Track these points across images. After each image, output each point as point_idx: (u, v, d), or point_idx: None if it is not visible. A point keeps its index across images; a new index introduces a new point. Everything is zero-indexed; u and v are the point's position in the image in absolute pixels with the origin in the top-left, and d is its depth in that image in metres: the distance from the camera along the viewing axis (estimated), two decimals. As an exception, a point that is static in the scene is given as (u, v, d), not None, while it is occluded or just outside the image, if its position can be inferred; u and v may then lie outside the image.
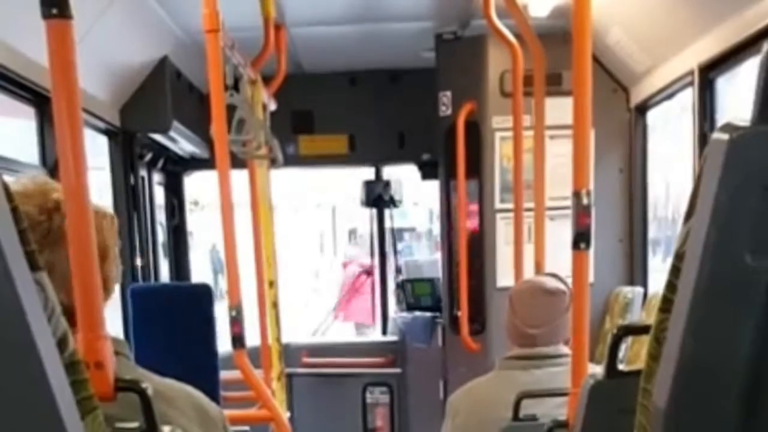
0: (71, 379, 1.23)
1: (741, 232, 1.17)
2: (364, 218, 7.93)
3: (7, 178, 1.19)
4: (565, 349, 3.15)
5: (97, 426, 1.34)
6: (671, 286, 1.29)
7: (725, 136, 1.18)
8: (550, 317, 3.20)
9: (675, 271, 1.28)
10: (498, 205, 5.42)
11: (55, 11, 1.73)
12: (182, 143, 5.68)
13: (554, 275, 3.43)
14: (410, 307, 6.78)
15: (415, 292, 6.72)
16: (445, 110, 5.59)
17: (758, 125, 1.17)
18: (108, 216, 1.94)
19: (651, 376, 1.32)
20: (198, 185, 7.10)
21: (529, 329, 3.24)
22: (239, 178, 4.09)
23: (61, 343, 1.23)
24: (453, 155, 5.41)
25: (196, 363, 3.88)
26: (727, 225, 1.18)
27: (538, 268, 4.49)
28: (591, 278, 2.83)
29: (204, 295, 4.17)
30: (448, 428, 3.38)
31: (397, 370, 6.86)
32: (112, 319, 1.93)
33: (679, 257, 1.28)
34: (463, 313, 5.45)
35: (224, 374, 4.28)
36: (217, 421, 1.99)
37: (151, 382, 1.79)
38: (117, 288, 2.00)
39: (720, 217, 1.18)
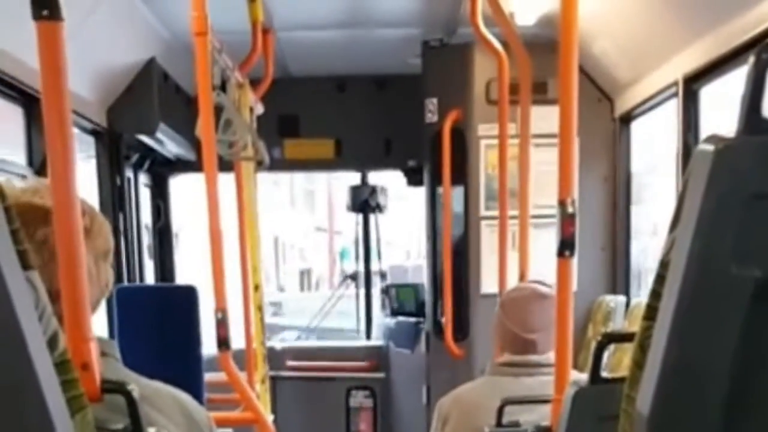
0: (61, 379, 1.23)
1: (725, 241, 1.19)
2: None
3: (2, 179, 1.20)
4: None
5: (86, 425, 1.34)
6: (656, 295, 1.31)
7: (711, 147, 1.19)
8: (547, 321, 3.12)
9: (659, 279, 1.30)
10: (483, 212, 5.44)
11: (45, 13, 1.74)
12: (169, 145, 5.67)
13: (540, 282, 3.43)
14: (394, 313, 6.80)
15: (400, 298, 6.73)
16: (431, 117, 5.60)
17: (743, 136, 1.19)
18: (107, 221, 1.97)
19: (635, 383, 1.34)
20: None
21: (527, 334, 3.21)
22: (224, 181, 4.09)
23: (52, 342, 1.23)
24: (439, 162, 5.42)
25: (181, 364, 3.87)
26: (712, 234, 1.19)
27: (523, 275, 4.51)
28: (574, 286, 2.85)
29: (189, 296, 4.16)
30: None
31: (381, 375, 6.87)
32: (97, 320, 1.93)
33: (663, 266, 1.29)
34: (447, 319, 5.46)
35: (208, 376, 4.27)
36: (203, 424, 1.99)
37: (138, 384, 1.79)
38: None
39: (705, 227, 1.19)
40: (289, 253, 28.59)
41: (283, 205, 26.23)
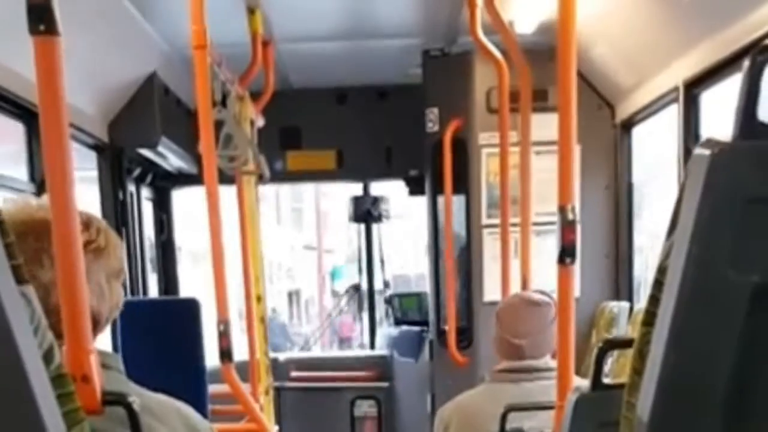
0: (58, 392, 1.23)
1: (722, 246, 1.19)
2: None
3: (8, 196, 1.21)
4: (554, 363, 3.16)
5: None
6: (654, 300, 1.30)
7: (707, 152, 1.19)
8: (536, 327, 3.25)
9: (658, 285, 1.29)
10: (485, 220, 5.44)
11: (42, 28, 1.73)
12: (170, 159, 5.68)
13: (541, 292, 3.46)
14: (398, 322, 6.80)
15: (403, 306, 6.73)
16: (432, 126, 5.61)
17: (739, 140, 1.19)
18: (121, 241, 1.98)
19: (635, 389, 1.33)
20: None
21: (515, 339, 3.29)
22: (225, 194, 4.09)
23: (48, 356, 1.23)
24: (440, 171, 5.43)
25: (184, 377, 3.87)
26: (709, 239, 1.19)
27: (525, 282, 4.51)
28: (577, 293, 2.85)
29: (192, 309, 4.16)
30: None
31: (385, 384, 6.86)
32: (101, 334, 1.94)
33: (661, 271, 1.29)
34: (450, 328, 5.46)
35: (212, 388, 4.27)
36: (206, 436, 1.99)
37: (141, 396, 1.79)
38: None
39: (702, 232, 1.19)
40: (276, 273, 27.88)
41: (270, 223, 25.59)
